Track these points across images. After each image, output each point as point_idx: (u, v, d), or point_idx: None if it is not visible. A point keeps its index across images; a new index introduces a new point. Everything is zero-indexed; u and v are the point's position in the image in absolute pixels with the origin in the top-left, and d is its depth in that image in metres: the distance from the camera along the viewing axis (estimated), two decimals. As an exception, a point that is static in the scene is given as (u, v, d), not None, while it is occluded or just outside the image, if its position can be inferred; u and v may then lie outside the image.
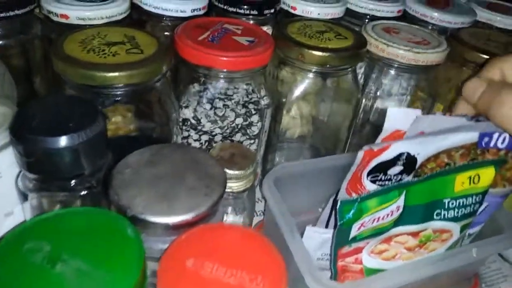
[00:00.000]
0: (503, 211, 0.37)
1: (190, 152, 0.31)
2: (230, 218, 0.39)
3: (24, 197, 0.28)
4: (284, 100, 0.42)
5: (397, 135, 0.28)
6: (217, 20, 0.39)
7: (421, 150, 0.28)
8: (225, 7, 0.43)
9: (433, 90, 0.46)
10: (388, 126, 0.27)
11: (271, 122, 0.43)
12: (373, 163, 0.28)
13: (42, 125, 0.25)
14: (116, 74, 0.29)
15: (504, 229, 0.36)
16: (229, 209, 0.38)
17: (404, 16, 0.53)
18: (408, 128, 0.27)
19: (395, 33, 0.44)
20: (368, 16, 0.50)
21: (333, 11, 0.46)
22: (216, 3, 0.43)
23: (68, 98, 0.29)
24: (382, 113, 0.48)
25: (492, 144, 0.29)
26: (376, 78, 0.45)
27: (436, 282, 0.37)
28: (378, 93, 0.45)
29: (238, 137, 0.40)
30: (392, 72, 0.44)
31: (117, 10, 0.37)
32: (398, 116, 0.27)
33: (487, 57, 0.42)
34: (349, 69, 0.40)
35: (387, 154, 0.27)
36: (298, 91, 0.41)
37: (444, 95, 0.46)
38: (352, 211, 0.26)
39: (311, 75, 0.39)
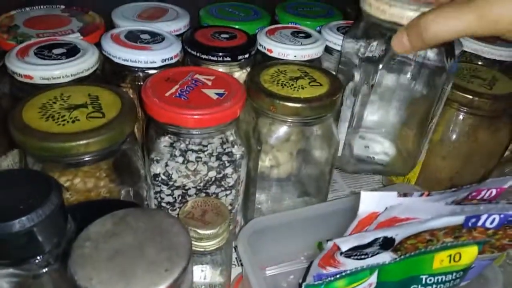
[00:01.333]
0: (491, 265, 0.35)
1: (155, 218, 0.30)
2: (207, 275, 0.37)
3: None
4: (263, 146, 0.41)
5: (374, 216, 0.27)
6: (188, 70, 0.39)
7: (400, 232, 0.27)
8: (198, 55, 0.42)
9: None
10: (363, 210, 0.26)
11: (250, 169, 0.42)
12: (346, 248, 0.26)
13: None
14: (73, 144, 0.28)
15: (491, 284, 0.34)
16: (205, 266, 0.36)
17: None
18: (381, 214, 0.26)
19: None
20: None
21: (310, 53, 0.45)
22: (189, 51, 0.42)
23: (19, 172, 0.29)
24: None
25: (479, 223, 0.27)
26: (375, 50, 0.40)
27: None
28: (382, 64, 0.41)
29: (213, 189, 0.38)
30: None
31: (83, 66, 0.36)
32: (372, 199, 0.26)
33: (476, 98, 0.41)
34: (325, 117, 0.39)
35: (361, 242, 0.26)
36: (273, 139, 0.40)
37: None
38: None
39: (285, 124, 0.38)
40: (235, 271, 0.42)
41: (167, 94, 0.35)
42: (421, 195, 0.26)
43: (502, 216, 0.27)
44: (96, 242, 0.28)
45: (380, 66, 0.40)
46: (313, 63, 0.45)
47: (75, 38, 0.41)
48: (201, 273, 0.37)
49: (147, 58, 0.39)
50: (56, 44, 0.39)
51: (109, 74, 0.41)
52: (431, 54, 0.42)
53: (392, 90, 0.46)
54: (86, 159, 0.30)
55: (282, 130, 0.39)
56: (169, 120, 0.33)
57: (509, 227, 0.29)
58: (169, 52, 0.40)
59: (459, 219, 0.26)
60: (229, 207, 0.41)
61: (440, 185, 0.47)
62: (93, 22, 0.47)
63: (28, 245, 0.25)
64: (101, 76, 0.40)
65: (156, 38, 0.42)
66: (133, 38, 0.41)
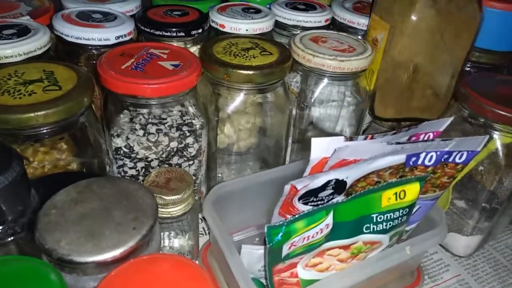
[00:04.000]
0: (435, 206, 0.38)
1: (119, 185, 0.31)
2: (174, 241, 0.39)
3: None
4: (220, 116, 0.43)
5: (325, 162, 0.29)
6: (143, 45, 0.39)
7: (350, 174, 0.29)
8: (152, 31, 0.43)
9: (364, 94, 0.47)
10: (314, 156, 0.28)
11: (211, 140, 0.43)
12: (302, 192, 0.29)
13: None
14: (32, 114, 0.29)
15: (437, 223, 0.38)
16: (171, 233, 0.38)
17: (335, 24, 0.54)
18: (330, 158, 0.28)
19: (323, 42, 0.46)
20: (298, 27, 0.51)
21: (261, 26, 0.47)
22: (143, 28, 0.43)
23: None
24: (320, 119, 0.50)
25: (420, 162, 0.30)
26: (309, 87, 0.46)
27: (378, 281, 0.38)
28: (312, 101, 0.46)
29: (175, 160, 0.40)
30: (323, 80, 0.45)
31: (35, 45, 0.36)
32: (322, 144, 0.28)
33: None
34: (278, 83, 0.41)
35: (314, 184, 0.28)
36: (230, 108, 0.41)
37: (391, 13, 0.45)
38: (280, 234, 0.27)
39: (241, 92, 0.40)
40: (203, 240, 0.43)
41: (123, 67, 0.35)
42: (365, 138, 0.29)
43: (438, 153, 0.30)
44: (62, 209, 0.29)
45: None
46: (264, 37, 0.47)
47: (25, 20, 0.41)
48: (169, 240, 0.38)
49: (101, 36, 0.39)
50: (6, 25, 0.38)
51: (63, 54, 0.41)
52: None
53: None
54: (45, 131, 0.30)
55: (238, 98, 0.41)
56: (127, 91, 0.34)
57: (446, 165, 0.32)
58: (122, 29, 0.41)
59: (401, 158, 0.29)
60: (193, 178, 0.42)
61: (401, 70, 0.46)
62: (42, 5, 0.46)
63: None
64: (55, 57, 0.40)
65: (108, 17, 0.43)
66: (85, 17, 0.41)
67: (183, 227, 0.38)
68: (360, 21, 0.52)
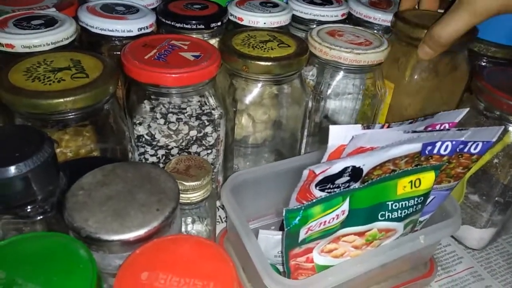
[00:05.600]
0: (449, 198, 0.39)
1: (143, 169, 0.32)
2: (193, 227, 0.40)
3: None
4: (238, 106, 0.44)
5: (343, 149, 0.30)
6: (164, 37, 0.41)
7: (366, 162, 0.30)
8: (173, 23, 0.44)
9: (380, 87, 0.48)
10: (332, 143, 0.29)
11: (228, 130, 0.44)
12: (319, 178, 0.29)
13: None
14: (61, 100, 0.30)
15: (451, 215, 0.38)
16: (189, 219, 0.39)
17: (351, 19, 0.55)
18: (347, 145, 0.29)
19: (339, 36, 0.46)
20: (315, 21, 0.52)
21: (279, 19, 0.48)
22: (164, 20, 0.44)
23: (13, 127, 0.30)
24: (335, 111, 0.51)
25: (435, 151, 0.31)
26: (325, 80, 0.47)
27: (391, 270, 0.39)
28: (328, 94, 0.47)
29: (194, 148, 0.41)
30: (339, 73, 0.46)
31: (62, 35, 0.38)
32: (340, 132, 0.29)
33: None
34: (294, 75, 0.42)
35: (332, 170, 0.29)
36: (248, 99, 0.42)
37: (394, 75, 0.48)
38: (298, 218, 0.27)
39: (258, 83, 0.41)
40: (219, 227, 0.44)
41: (146, 57, 0.36)
42: (382, 126, 0.29)
43: (454, 142, 0.30)
44: (88, 191, 0.30)
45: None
46: (282, 30, 0.48)
47: (52, 12, 0.42)
48: (187, 225, 0.39)
49: (124, 27, 0.41)
50: (34, 16, 0.40)
51: (87, 45, 0.42)
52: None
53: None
54: (72, 116, 0.32)
55: (256, 89, 0.42)
56: (149, 80, 0.35)
57: (461, 155, 0.32)
58: (144, 21, 0.42)
59: (416, 146, 0.30)
60: (211, 166, 0.43)
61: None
62: (66, -1, 0.48)
63: (24, 191, 0.27)
64: (79, 47, 0.42)
65: (131, 9, 0.44)
66: (109, 10, 0.43)
67: (201, 214, 0.39)
68: (376, 16, 0.52)
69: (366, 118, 0.51)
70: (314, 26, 0.51)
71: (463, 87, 0.48)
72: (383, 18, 0.52)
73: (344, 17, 0.53)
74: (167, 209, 0.29)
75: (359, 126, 0.29)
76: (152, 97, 0.37)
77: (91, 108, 0.32)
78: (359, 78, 0.47)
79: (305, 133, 0.51)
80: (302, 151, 0.52)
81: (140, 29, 0.42)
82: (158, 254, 0.27)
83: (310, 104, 0.45)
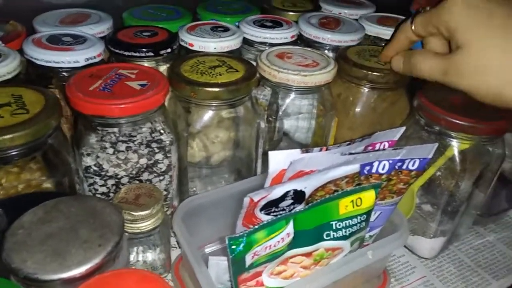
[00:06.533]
0: (396, 211, 0.40)
1: (87, 203, 0.32)
2: (145, 256, 0.39)
3: None
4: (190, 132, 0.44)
5: (283, 174, 0.30)
6: (112, 66, 0.41)
7: (307, 185, 0.30)
8: (121, 52, 0.44)
9: (330, 105, 0.49)
10: (273, 169, 0.30)
11: (182, 155, 0.44)
12: (262, 203, 0.30)
13: None
14: (-1, 138, 0.29)
15: (398, 228, 0.39)
16: (141, 248, 0.39)
17: (302, 39, 0.57)
18: (287, 169, 0.30)
19: (288, 58, 0.48)
20: (266, 44, 0.53)
21: (229, 44, 0.48)
22: (112, 49, 0.44)
23: None
24: (290, 131, 0.52)
25: (374, 170, 0.32)
26: (277, 101, 0.48)
27: (345, 286, 0.39)
28: (279, 114, 0.48)
29: (145, 176, 0.41)
30: (290, 94, 0.47)
31: (5, 70, 0.37)
32: (280, 157, 0.30)
33: (370, 72, 0.46)
34: (245, 98, 0.43)
35: (272, 196, 0.29)
36: (200, 123, 0.43)
37: (337, 110, 0.50)
38: (242, 245, 0.28)
39: (209, 108, 0.42)
40: (176, 253, 0.44)
41: (91, 88, 0.37)
42: (321, 150, 0.30)
43: (390, 161, 0.32)
44: (29, 229, 0.29)
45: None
46: (233, 54, 0.49)
47: (-5, 45, 0.42)
48: (139, 254, 0.39)
49: (70, 58, 0.41)
50: (-24, 51, 0.39)
51: (34, 77, 0.42)
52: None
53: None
54: (13, 153, 0.31)
55: (207, 114, 0.42)
56: (95, 112, 0.35)
57: (401, 172, 0.34)
58: (92, 51, 0.42)
59: (354, 167, 0.31)
60: (164, 193, 0.43)
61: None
62: (14, 30, 0.47)
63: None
64: (26, 80, 0.41)
65: (78, 39, 0.44)
66: (55, 41, 0.43)
67: (154, 241, 0.39)
68: (325, 36, 0.54)
69: (321, 136, 0.52)
70: (266, 48, 0.52)
71: (404, 118, 0.49)
72: (332, 38, 0.54)
73: (293, 38, 0.54)
74: (110, 243, 0.29)
75: (298, 150, 0.30)
76: (98, 128, 0.37)
77: (32, 143, 0.32)
78: (311, 98, 0.49)
79: (260, 152, 0.51)
80: (259, 170, 0.52)
81: (87, 59, 0.42)
82: (101, 291, 0.27)
83: (262, 125, 0.46)
